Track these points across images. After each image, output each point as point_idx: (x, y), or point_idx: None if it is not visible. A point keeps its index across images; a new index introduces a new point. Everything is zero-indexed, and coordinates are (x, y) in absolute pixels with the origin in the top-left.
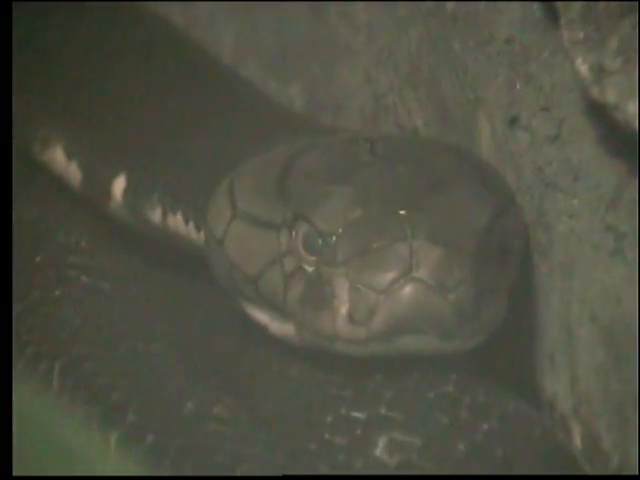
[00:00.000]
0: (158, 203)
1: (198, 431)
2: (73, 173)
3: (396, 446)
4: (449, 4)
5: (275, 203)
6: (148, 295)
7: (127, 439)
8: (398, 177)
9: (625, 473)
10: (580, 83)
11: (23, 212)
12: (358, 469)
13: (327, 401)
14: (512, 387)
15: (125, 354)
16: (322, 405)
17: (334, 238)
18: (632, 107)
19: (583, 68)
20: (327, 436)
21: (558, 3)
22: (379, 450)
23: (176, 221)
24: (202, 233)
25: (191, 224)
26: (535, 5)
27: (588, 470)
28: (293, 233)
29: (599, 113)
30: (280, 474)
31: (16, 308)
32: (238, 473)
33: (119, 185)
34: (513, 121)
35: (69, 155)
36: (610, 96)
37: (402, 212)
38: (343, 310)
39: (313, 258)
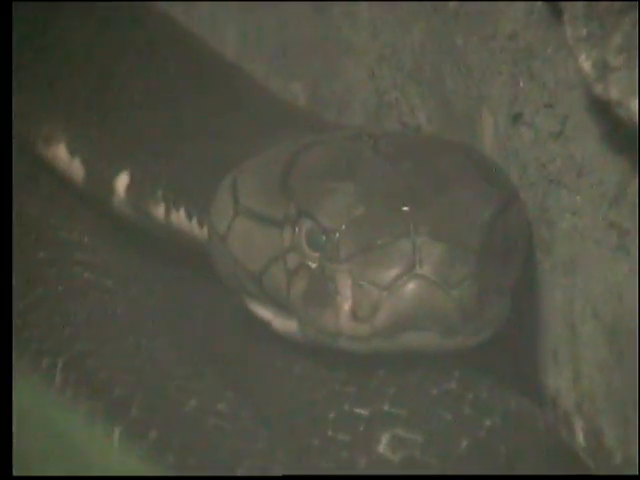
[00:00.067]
0: (161, 199)
1: (201, 427)
2: (76, 169)
3: (399, 442)
4: (451, 3)
5: (278, 200)
6: (151, 291)
7: (130, 434)
8: (401, 174)
9: (628, 469)
10: (583, 80)
11: (26, 208)
12: (361, 466)
13: (330, 397)
14: (515, 384)
15: (128, 350)
16: (325, 401)
17: (337, 234)
18: (634, 104)
19: (586, 65)
20: (330, 432)
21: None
22: (382, 446)
23: (179, 217)
24: (205, 229)
25: (194, 220)
26: (538, 2)
27: (591, 467)
28: (296, 229)
29: (603, 110)
30: (283, 470)
31: (19, 304)
32: (241, 469)
33: (122, 181)
34: (516, 117)
35: (72, 151)
36: (613, 92)
37: (405, 209)
38: (346, 306)
39: (316, 254)
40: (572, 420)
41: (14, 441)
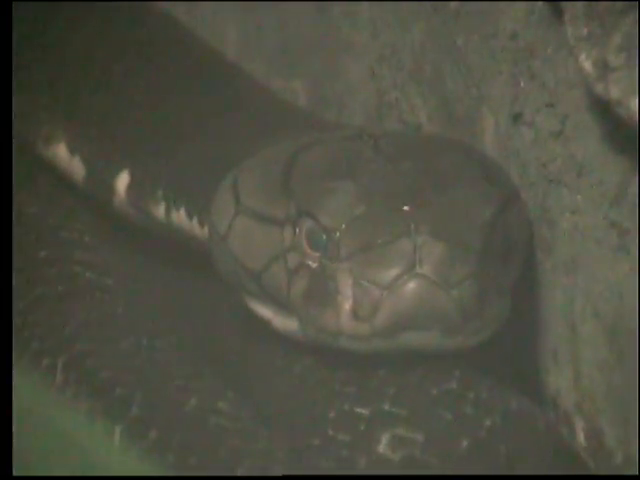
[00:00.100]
0: (162, 199)
1: (201, 426)
2: (76, 169)
3: (399, 442)
4: (452, 2)
5: (279, 199)
6: (152, 290)
7: (130, 434)
8: (402, 173)
9: (628, 469)
10: (584, 79)
11: (27, 208)
12: (361, 465)
13: (330, 397)
14: (515, 383)
15: (129, 349)
16: (325, 401)
17: (338, 234)
18: (634, 103)
19: (587, 64)
20: (330, 432)
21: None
22: (382, 446)
23: (180, 217)
24: (206, 229)
25: (195, 220)
26: (539, 2)
27: (591, 466)
28: (297, 229)
29: (603, 109)
30: (283, 470)
31: (20, 303)
32: (241, 469)
33: (122, 181)
34: (517, 117)
35: (72, 151)
36: (614, 92)
37: (406, 208)
38: (347, 306)
39: (317, 254)
40: (572, 419)
41: (14, 441)
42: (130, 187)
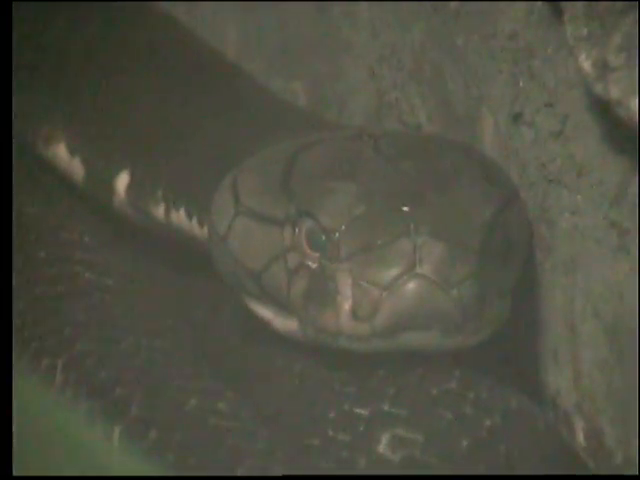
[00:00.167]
0: (161, 199)
1: (201, 427)
2: (76, 169)
3: (399, 442)
4: (452, 2)
5: (279, 199)
6: (151, 291)
7: (130, 434)
8: (402, 173)
9: (628, 469)
10: (584, 79)
11: (27, 208)
12: (361, 465)
13: (330, 397)
14: (515, 383)
15: (128, 349)
16: (325, 401)
17: (337, 234)
18: (634, 103)
19: (587, 64)
20: (330, 432)
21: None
22: (382, 446)
23: (179, 217)
24: (205, 229)
25: (194, 220)
26: (539, 2)
27: (591, 466)
28: (297, 229)
29: (603, 109)
30: (283, 470)
31: (19, 304)
32: (241, 469)
33: (122, 181)
34: (517, 117)
35: (72, 151)
36: (613, 92)
37: (405, 208)
38: (346, 306)
39: (317, 254)
40: (572, 419)
41: (14, 441)
42: (130, 187)
